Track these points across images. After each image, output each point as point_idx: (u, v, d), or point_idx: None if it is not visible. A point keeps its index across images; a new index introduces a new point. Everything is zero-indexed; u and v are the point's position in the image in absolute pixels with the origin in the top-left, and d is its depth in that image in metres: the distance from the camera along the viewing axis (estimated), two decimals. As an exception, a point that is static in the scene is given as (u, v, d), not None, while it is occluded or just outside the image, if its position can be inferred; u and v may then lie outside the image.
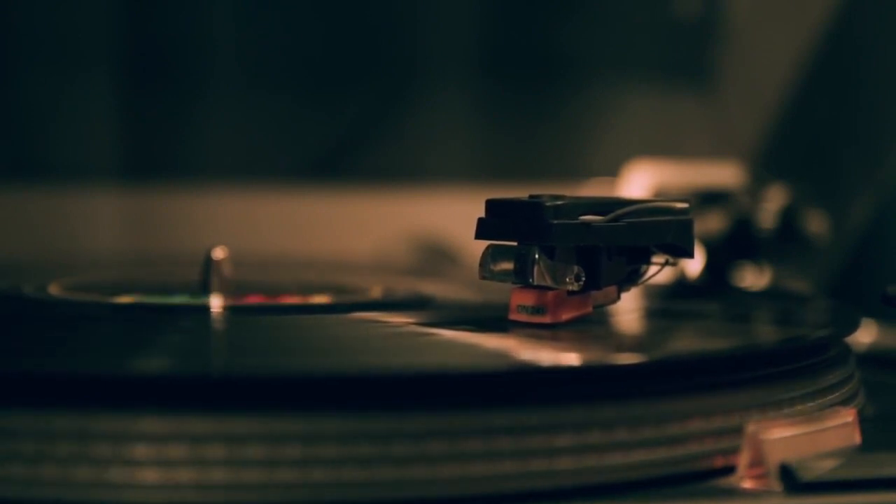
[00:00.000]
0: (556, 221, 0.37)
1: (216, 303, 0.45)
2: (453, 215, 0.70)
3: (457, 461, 0.31)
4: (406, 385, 0.32)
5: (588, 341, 0.38)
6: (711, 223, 0.59)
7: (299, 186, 0.77)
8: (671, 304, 0.50)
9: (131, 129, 0.75)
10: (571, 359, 0.35)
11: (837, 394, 0.38)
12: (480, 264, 0.39)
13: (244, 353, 0.37)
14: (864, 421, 0.37)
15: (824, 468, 0.33)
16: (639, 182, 0.63)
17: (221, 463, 0.30)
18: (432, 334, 0.39)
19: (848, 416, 0.35)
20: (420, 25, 0.79)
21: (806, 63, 0.74)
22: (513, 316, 0.39)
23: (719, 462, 0.34)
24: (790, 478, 0.32)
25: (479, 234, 0.39)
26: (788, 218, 0.60)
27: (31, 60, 0.74)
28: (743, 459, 0.33)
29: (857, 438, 0.35)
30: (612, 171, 0.68)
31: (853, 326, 0.42)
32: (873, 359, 0.50)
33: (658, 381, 0.34)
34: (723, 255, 0.59)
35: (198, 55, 0.76)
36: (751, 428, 0.33)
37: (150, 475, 0.30)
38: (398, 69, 0.79)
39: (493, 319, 0.40)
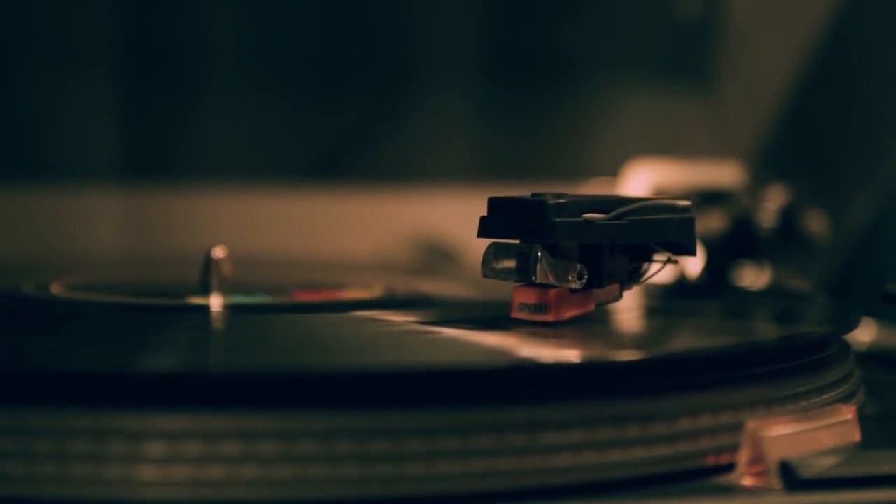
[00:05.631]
0: (558, 219, 0.37)
1: (216, 302, 0.45)
2: (453, 215, 0.71)
3: (456, 458, 0.31)
4: (407, 382, 0.32)
5: (590, 339, 0.38)
6: (712, 223, 0.59)
7: (299, 186, 0.77)
8: (672, 302, 0.50)
9: (131, 129, 0.75)
10: (573, 356, 0.35)
11: (837, 391, 0.38)
12: (483, 262, 0.39)
13: (245, 353, 0.37)
14: (863, 419, 0.37)
15: (824, 465, 0.33)
16: (639, 182, 0.63)
17: (229, 460, 0.30)
18: (434, 332, 0.39)
19: (848, 413, 0.36)
20: (420, 25, 0.79)
21: (806, 63, 0.74)
22: (515, 314, 0.39)
23: (719, 459, 0.34)
24: (790, 475, 0.32)
25: (482, 233, 0.39)
26: (788, 217, 0.60)
27: (31, 60, 0.74)
28: (743, 457, 0.33)
29: (856, 436, 0.35)
30: (612, 170, 0.68)
31: (853, 324, 0.42)
32: (873, 357, 0.50)
33: (658, 378, 0.34)
34: (723, 255, 0.59)
35: (198, 55, 0.76)
36: (751, 425, 0.33)
37: (153, 473, 0.30)
38: (398, 69, 0.79)
39: (494, 318, 0.40)
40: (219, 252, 0.46)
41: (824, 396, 0.37)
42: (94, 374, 0.31)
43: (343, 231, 0.76)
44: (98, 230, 0.75)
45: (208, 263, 0.46)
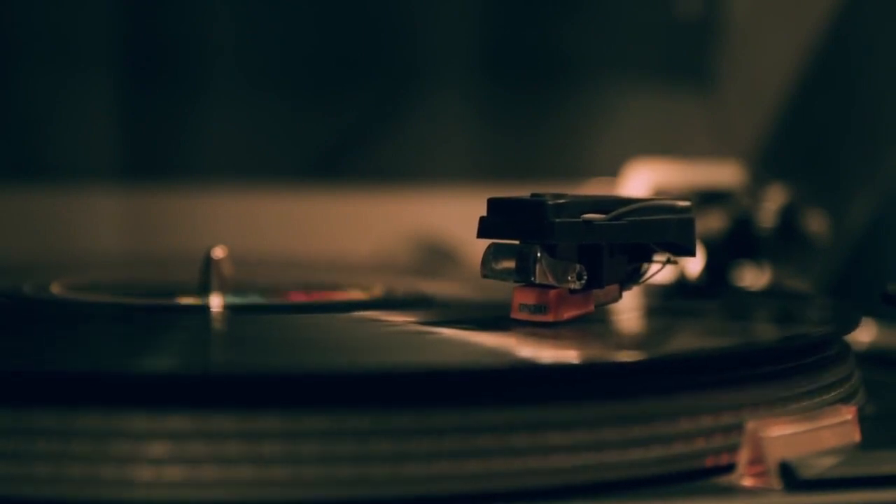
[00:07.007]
0: (558, 220, 0.37)
1: (216, 302, 0.45)
2: (453, 215, 0.70)
3: (456, 458, 0.31)
4: (407, 383, 0.32)
5: (589, 339, 0.38)
6: (711, 223, 0.59)
7: (299, 186, 0.77)
8: (671, 303, 0.50)
9: (131, 129, 0.75)
10: (572, 356, 0.35)
11: (837, 391, 0.38)
12: (482, 263, 0.39)
13: (245, 353, 0.37)
14: (863, 419, 0.37)
15: (824, 466, 0.33)
16: (639, 182, 0.63)
17: (228, 460, 0.30)
18: (433, 333, 0.39)
19: (848, 413, 0.36)
20: (420, 25, 0.79)
21: (806, 63, 0.74)
22: (515, 314, 0.39)
23: (719, 460, 0.34)
24: (790, 475, 0.32)
25: (481, 233, 0.39)
26: (788, 217, 0.60)
27: (31, 60, 0.74)
28: (743, 457, 0.33)
29: (856, 436, 0.35)
30: (612, 170, 0.68)
31: (853, 324, 0.42)
32: (873, 357, 0.50)
33: (658, 378, 0.34)
34: (723, 255, 0.59)
35: (198, 55, 0.76)
36: (751, 426, 0.33)
37: (152, 473, 0.30)
38: (398, 69, 0.79)
39: (494, 318, 0.40)
40: (219, 252, 0.46)
41: (824, 397, 0.37)
42: (94, 374, 0.31)
43: (343, 231, 0.77)
44: (98, 230, 0.75)
45: (208, 263, 0.46)
